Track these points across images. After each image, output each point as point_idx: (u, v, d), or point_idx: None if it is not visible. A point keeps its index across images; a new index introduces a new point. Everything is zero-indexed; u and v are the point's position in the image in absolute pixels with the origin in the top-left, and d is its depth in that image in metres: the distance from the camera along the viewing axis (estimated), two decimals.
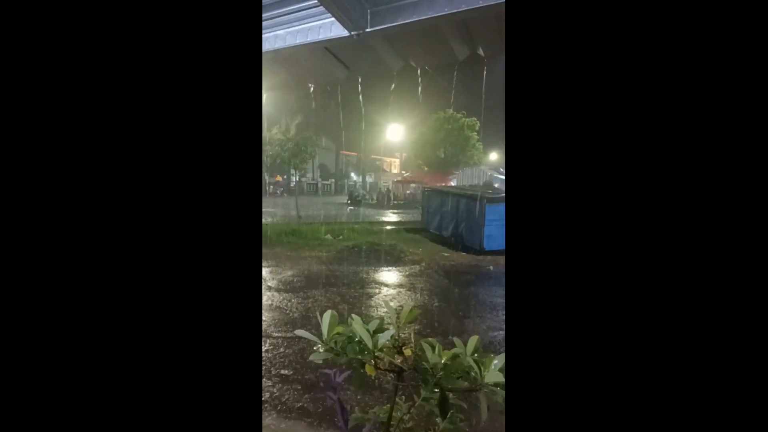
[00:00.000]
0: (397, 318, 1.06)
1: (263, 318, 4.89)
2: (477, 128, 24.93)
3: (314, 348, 1.03)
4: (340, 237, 10.52)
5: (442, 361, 1.00)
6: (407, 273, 7.47)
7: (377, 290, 6.29)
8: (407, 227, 13.49)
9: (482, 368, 0.94)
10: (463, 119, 24.83)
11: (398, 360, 1.03)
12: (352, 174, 34.16)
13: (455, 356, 1.03)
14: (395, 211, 19.85)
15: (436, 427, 1.08)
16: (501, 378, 0.89)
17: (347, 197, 23.66)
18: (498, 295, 6.28)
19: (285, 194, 26.20)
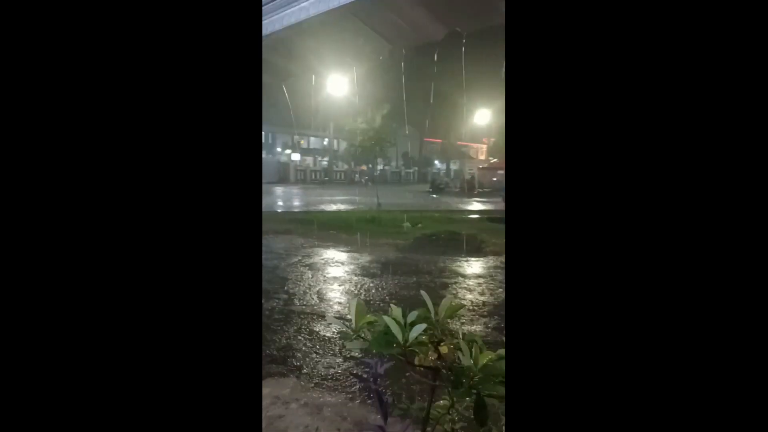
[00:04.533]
0: (436, 312, 0.98)
1: (339, 301, 5.12)
2: None
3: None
4: (419, 225, 10.47)
5: (481, 363, 0.89)
6: (487, 264, 7.14)
7: (454, 280, 6.13)
8: (490, 216, 12.87)
9: None
10: None
11: (432, 357, 0.95)
12: (436, 162, 33.71)
13: (500, 358, 0.91)
14: (479, 199, 19.08)
15: None
16: None
17: (429, 185, 23.46)
18: None
19: (370, 183, 27.02)
